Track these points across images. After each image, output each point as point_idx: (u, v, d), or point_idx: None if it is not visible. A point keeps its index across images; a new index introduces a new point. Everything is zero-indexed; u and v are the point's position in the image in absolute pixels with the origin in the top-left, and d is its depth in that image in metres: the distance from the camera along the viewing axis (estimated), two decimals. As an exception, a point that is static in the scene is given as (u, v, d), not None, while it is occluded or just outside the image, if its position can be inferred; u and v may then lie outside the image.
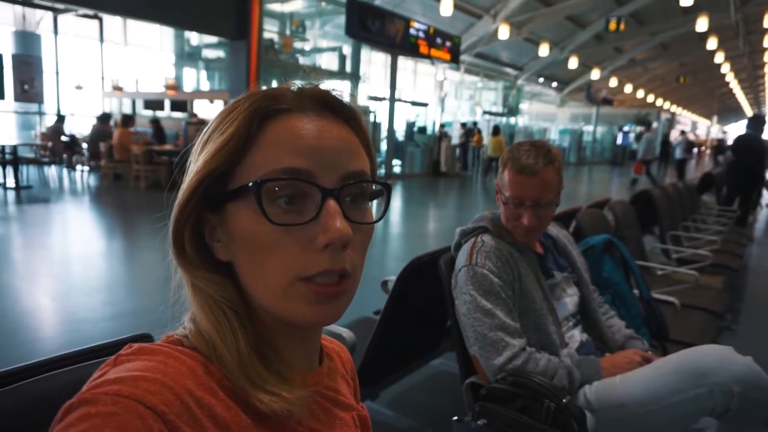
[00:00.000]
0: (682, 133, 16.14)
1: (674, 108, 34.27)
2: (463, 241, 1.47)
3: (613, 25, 13.74)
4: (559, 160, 1.36)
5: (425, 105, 15.98)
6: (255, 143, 0.46)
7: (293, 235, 0.45)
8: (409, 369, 2.06)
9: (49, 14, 11.80)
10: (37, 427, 0.54)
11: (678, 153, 13.67)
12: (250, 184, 0.44)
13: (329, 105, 0.49)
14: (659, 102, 30.40)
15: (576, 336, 1.44)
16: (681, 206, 4.30)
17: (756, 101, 40.41)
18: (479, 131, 15.67)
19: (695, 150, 15.24)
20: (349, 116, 0.50)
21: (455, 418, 1.36)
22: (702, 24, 13.57)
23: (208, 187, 0.47)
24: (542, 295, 1.39)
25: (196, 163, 0.48)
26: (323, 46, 13.12)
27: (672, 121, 31.29)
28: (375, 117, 12.62)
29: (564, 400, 1.15)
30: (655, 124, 28.07)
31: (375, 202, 0.53)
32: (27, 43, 11.10)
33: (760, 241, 6.76)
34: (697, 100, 36.90)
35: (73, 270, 4.27)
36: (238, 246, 0.47)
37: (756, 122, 6.18)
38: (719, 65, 21.21)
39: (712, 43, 15.95)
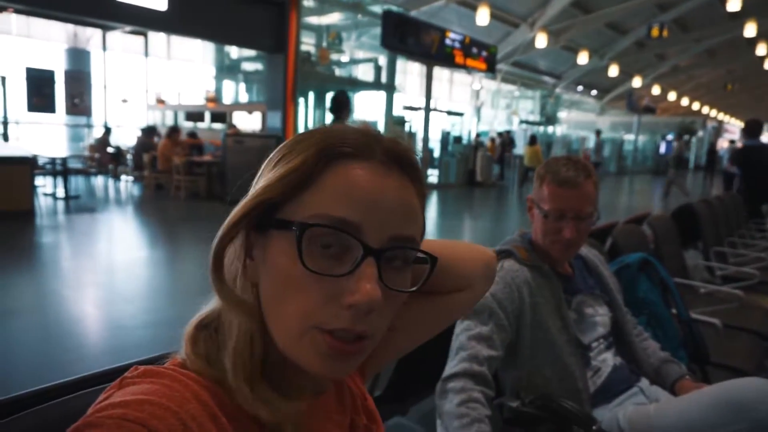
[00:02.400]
0: (731, 142, 15.52)
1: (721, 116, 33.01)
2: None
3: (655, 32, 13.34)
4: (595, 175, 1.36)
5: (461, 114, 15.93)
6: (315, 181, 0.46)
7: (322, 284, 0.44)
8: (439, 385, 2.05)
9: (99, 32, 12.36)
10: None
11: (725, 163, 13.17)
12: (294, 224, 0.44)
13: (400, 161, 0.48)
14: (705, 110, 29.35)
15: (609, 360, 1.40)
16: (726, 221, 4.12)
17: (810, 108, 38.53)
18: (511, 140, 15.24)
19: None
20: (415, 177, 0.49)
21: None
22: (750, 29, 13.08)
23: (262, 211, 0.47)
24: (560, 325, 1.33)
25: (258, 183, 0.48)
26: (359, 58, 13.29)
27: (719, 130, 30.14)
28: (410, 127, 12.66)
29: (594, 428, 1.12)
30: (700, 133, 27.14)
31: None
32: (78, 60, 11.67)
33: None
34: (746, 107, 35.41)
35: (116, 278, 4.43)
36: (267, 273, 0.47)
37: (755, 128, 5.71)
38: (770, 71, 20.36)
39: (761, 49, 15.34)
